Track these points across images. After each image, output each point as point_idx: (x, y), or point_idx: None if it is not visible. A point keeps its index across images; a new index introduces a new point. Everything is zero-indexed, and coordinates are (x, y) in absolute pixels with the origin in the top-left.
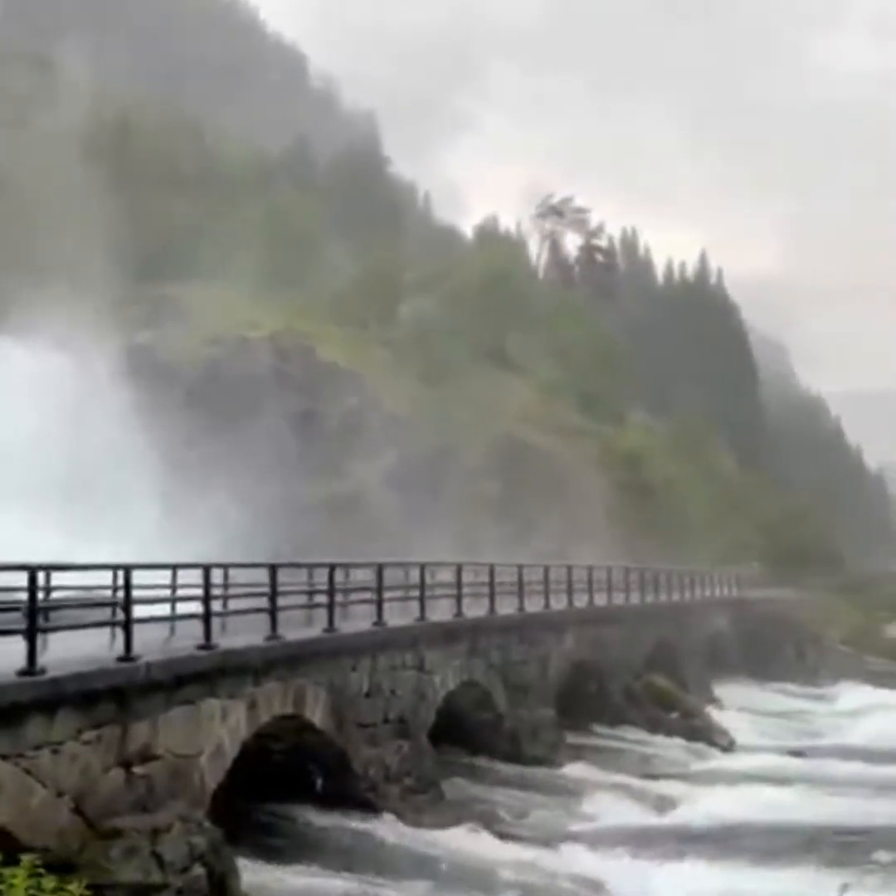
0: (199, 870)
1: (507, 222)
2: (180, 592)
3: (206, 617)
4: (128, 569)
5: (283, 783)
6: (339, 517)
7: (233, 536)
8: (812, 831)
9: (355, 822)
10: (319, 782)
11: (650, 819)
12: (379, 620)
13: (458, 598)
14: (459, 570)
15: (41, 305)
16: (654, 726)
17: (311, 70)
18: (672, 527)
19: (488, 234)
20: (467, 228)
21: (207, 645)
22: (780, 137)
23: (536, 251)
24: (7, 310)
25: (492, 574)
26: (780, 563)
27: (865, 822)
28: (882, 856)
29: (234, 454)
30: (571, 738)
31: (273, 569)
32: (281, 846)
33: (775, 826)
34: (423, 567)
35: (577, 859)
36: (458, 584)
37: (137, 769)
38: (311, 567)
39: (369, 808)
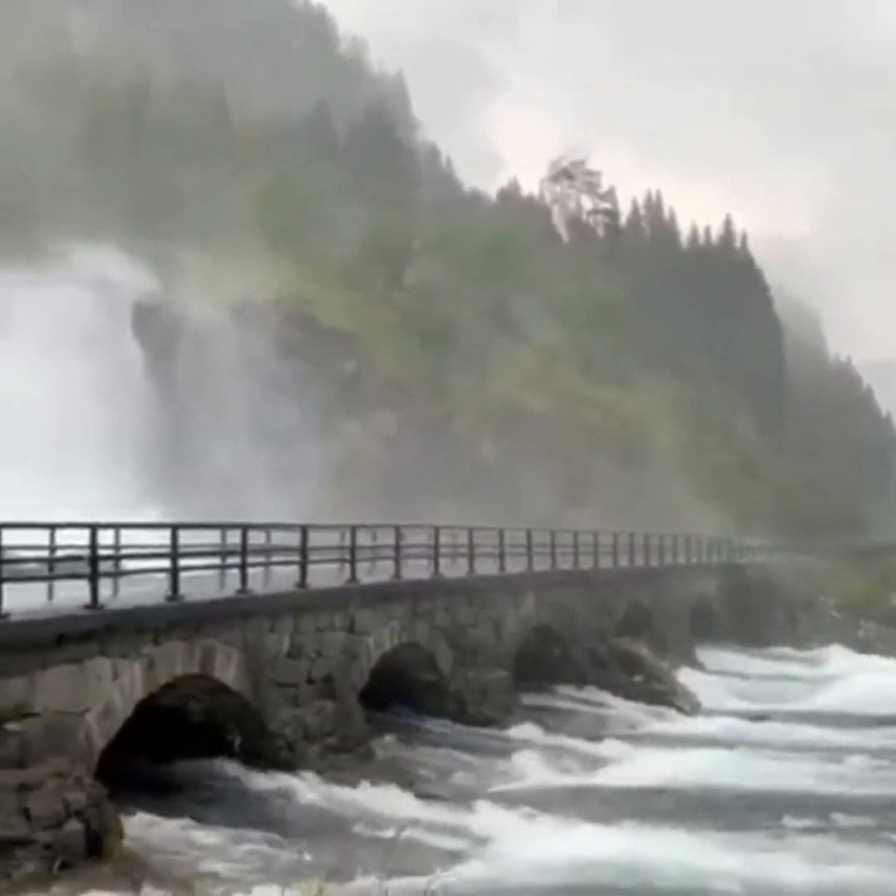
0: (74, 825)
1: (531, 184)
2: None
3: (93, 577)
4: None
5: (204, 743)
6: (337, 480)
7: (232, 498)
8: (730, 795)
9: (266, 781)
10: (237, 741)
11: (574, 780)
12: (301, 582)
13: (396, 561)
14: (397, 532)
15: (52, 265)
16: (617, 689)
17: (339, 33)
18: (675, 493)
19: (509, 197)
20: (495, 190)
21: (93, 605)
22: (818, 97)
23: (557, 215)
24: (17, 264)
25: (436, 536)
26: (794, 530)
27: (790, 787)
28: (790, 821)
29: (234, 416)
30: (529, 700)
31: (174, 529)
32: (184, 803)
33: (695, 789)
34: (353, 529)
35: (482, 818)
36: (397, 547)
37: (11, 726)
38: (223, 528)
39: (288, 766)
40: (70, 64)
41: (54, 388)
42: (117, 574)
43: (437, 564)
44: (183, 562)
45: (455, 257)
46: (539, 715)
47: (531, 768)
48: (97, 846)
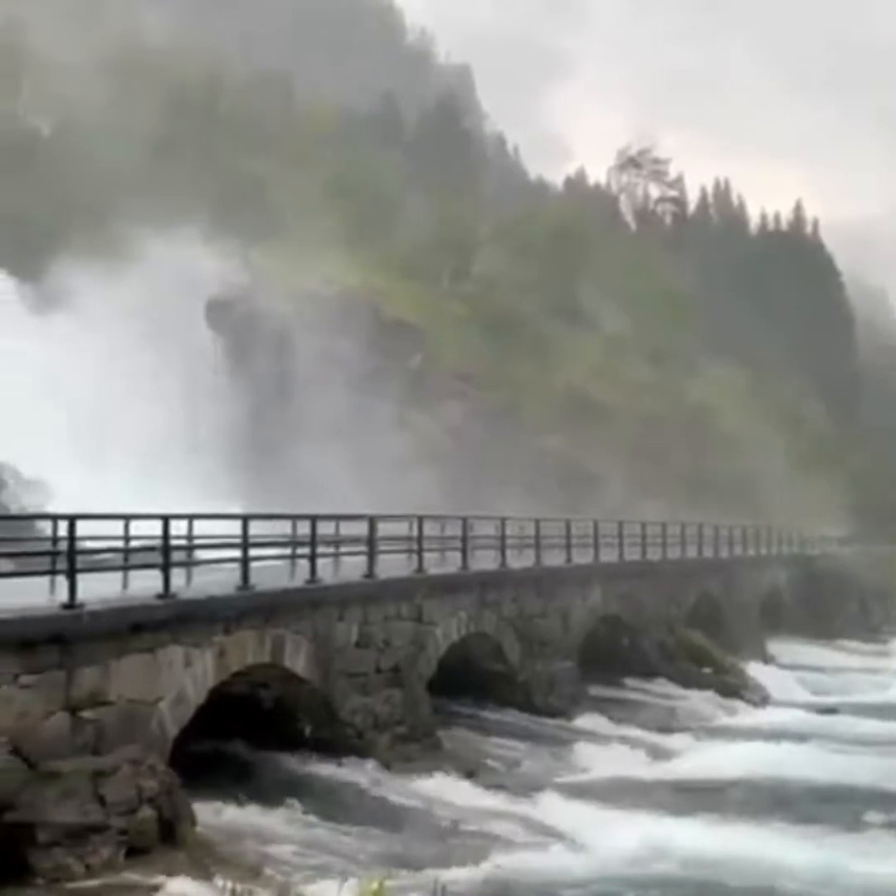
0: (147, 812)
1: (598, 173)
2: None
3: (165, 567)
4: (72, 519)
5: (275, 731)
6: (405, 471)
7: (308, 490)
8: (801, 789)
9: (336, 769)
10: (307, 729)
11: (641, 772)
12: (369, 572)
13: (463, 551)
14: (464, 523)
15: (128, 257)
16: (686, 681)
17: (406, 24)
18: (745, 482)
19: (576, 186)
20: (561, 179)
21: (166, 594)
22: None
23: (623, 203)
24: (97, 259)
25: (503, 527)
26: (870, 520)
27: (861, 781)
28: (873, 816)
29: (305, 410)
30: (597, 691)
31: (245, 520)
32: (255, 791)
33: (766, 782)
34: (420, 519)
35: (549, 809)
36: (464, 538)
37: (86, 714)
38: (294, 519)
39: (357, 755)
40: (145, 60)
41: (132, 383)
42: (189, 564)
43: (504, 555)
44: (253, 552)
45: (521, 247)
46: (606, 706)
47: (598, 760)
48: (170, 833)
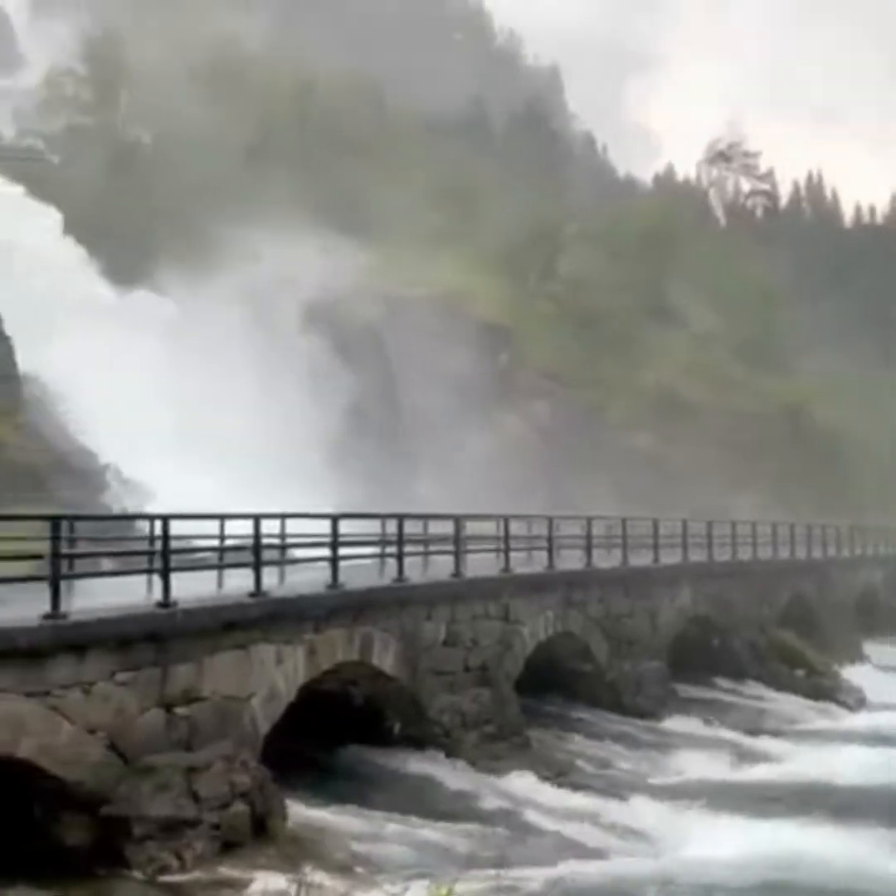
0: (240, 807)
1: (688, 168)
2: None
3: (257, 565)
4: (166, 519)
5: (364, 729)
6: (492, 472)
7: (390, 488)
8: None
9: (425, 767)
10: (396, 727)
11: (732, 774)
12: (456, 572)
13: (549, 551)
14: (550, 523)
15: (226, 262)
16: (778, 683)
17: (495, 27)
18: (842, 480)
19: (665, 182)
20: (650, 176)
21: (257, 593)
22: None
23: (713, 198)
24: (197, 265)
25: (589, 527)
26: None
27: None
28: None
29: (393, 411)
30: (686, 692)
31: (334, 520)
32: (344, 788)
33: (861, 787)
34: (506, 519)
35: (639, 811)
36: (549, 538)
37: (180, 710)
38: (382, 518)
39: (446, 753)
40: (239, 67)
41: (232, 385)
42: (280, 563)
43: (590, 555)
44: (342, 551)
45: (609, 245)
46: (696, 707)
47: (688, 761)
48: (262, 828)
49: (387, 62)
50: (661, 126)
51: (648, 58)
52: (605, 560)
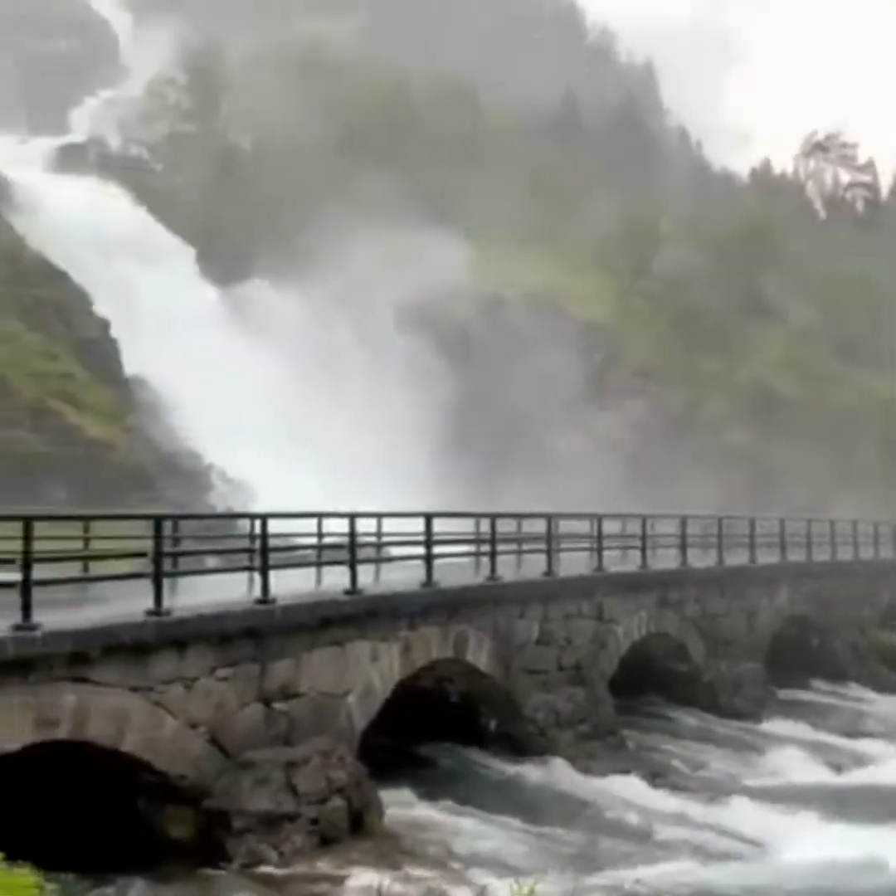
0: (337, 802)
1: (785, 161)
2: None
3: (352, 563)
4: (264, 518)
5: (460, 727)
6: (587, 470)
7: (488, 486)
8: None
9: (519, 766)
10: (492, 725)
11: (832, 778)
12: (548, 570)
13: (643, 550)
14: (644, 521)
15: (325, 261)
16: (879, 685)
17: (587, 24)
18: None
19: (761, 175)
20: (746, 170)
21: (353, 590)
22: None
23: (811, 191)
24: (297, 266)
25: (684, 526)
26: None
27: None
28: None
29: (490, 410)
30: (784, 694)
31: (428, 518)
32: (441, 784)
33: None
34: (599, 518)
35: (737, 814)
36: (643, 537)
37: (278, 705)
38: (476, 517)
39: (540, 752)
40: (332, 70)
41: (329, 386)
42: (376, 560)
43: (685, 554)
44: (436, 549)
45: (705, 241)
46: (795, 709)
47: (787, 764)
48: (359, 823)
49: (479, 61)
50: (757, 119)
51: (742, 51)
52: (701, 559)
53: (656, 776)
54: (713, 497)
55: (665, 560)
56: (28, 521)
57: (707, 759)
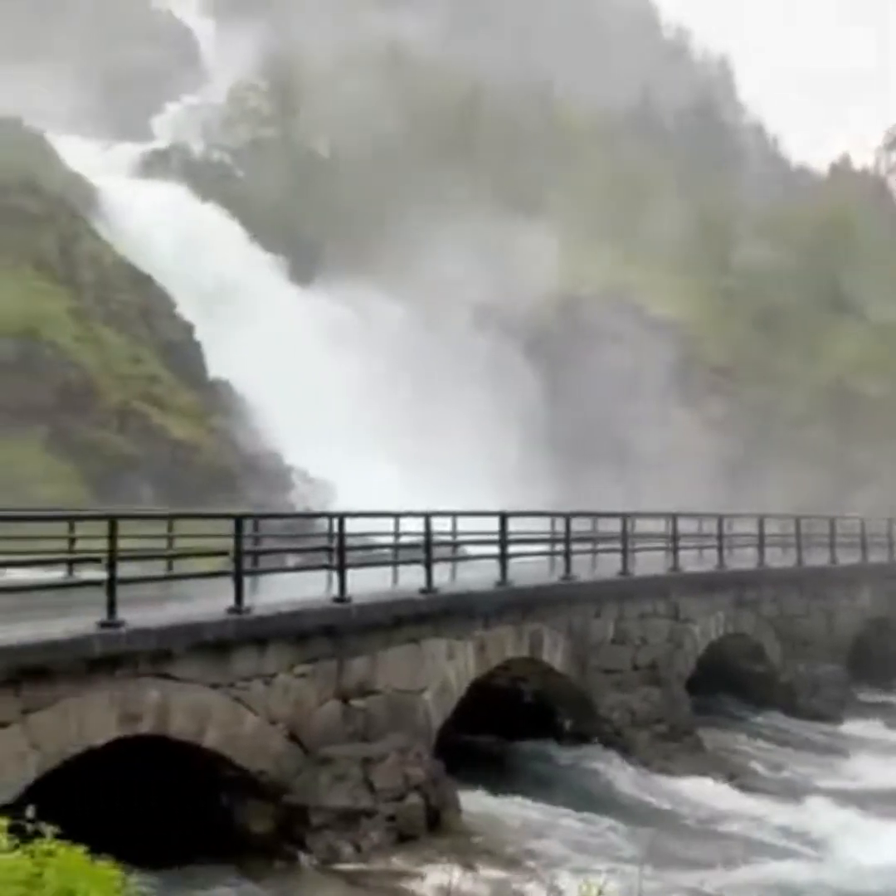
0: (414, 799)
1: (866, 155)
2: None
3: (428, 562)
4: (342, 517)
5: (535, 725)
6: (663, 468)
7: (574, 484)
8: None
9: (597, 764)
10: (567, 724)
11: None
12: (624, 570)
13: (719, 549)
14: (720, 521)
15: (404, 261)
16: None
17: (662, 21)
18: None
19: (841, 170)
20: (826, 165)
21: (428, 589)
22: None
23: (893, 185)
24: (376, 268)
25: (761, 525)
26: None
27: None
28: None
29: (571, 408)
30: (865, 696)
31: (502, 517)
32: (517, 783)
33: None
34: (674, 517)
35: (816, 817)
36: (719, 536)
37: (356, 702)
38: (551, 516)
39: (615, 751)
40: (410, 72)
41: (411, 387)
42: (452, 559)
43: (762, 554)
44: (511, 548)
45: (784, 237)
46: (877, 712)
47: (868, 767)
48: (435, 820)
49: (555, 59)
50: (835, 113)
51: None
52: (780, 559)
53: (733, 777)
54: (792, 496)
55: (743, 560)
56: (113, 520)
57: (786, 760)
